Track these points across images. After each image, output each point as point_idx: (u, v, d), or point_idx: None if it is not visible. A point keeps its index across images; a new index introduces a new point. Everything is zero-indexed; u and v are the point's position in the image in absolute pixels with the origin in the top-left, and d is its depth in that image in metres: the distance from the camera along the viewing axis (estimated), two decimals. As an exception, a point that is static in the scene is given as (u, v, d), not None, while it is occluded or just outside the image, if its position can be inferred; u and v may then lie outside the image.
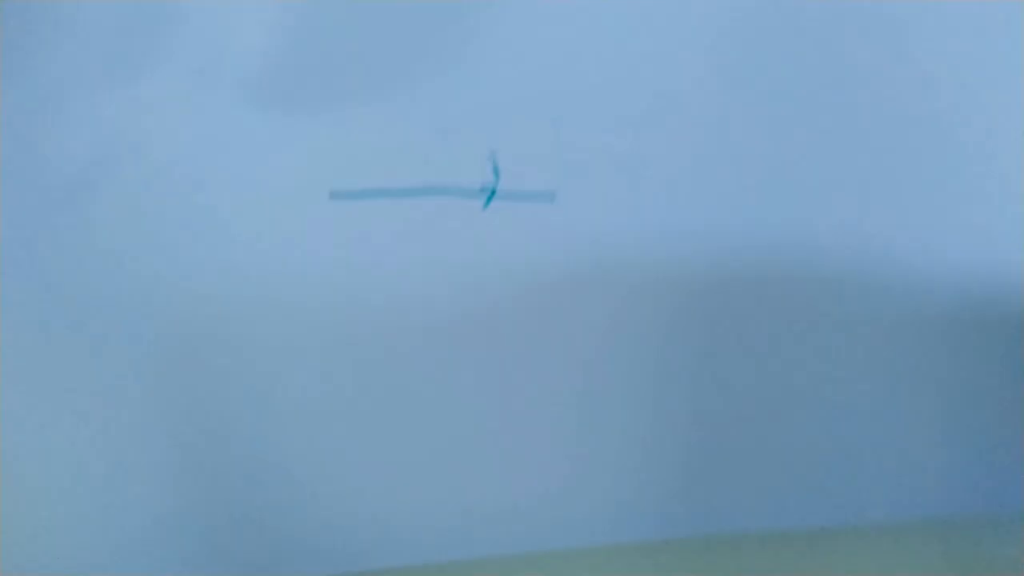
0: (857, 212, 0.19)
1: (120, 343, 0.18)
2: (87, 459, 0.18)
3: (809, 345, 0.19)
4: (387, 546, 0.19)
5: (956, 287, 0.19)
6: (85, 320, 0.18)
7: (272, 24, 0.16)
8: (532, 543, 0.19)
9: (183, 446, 0.18)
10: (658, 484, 0.19)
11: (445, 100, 0.17)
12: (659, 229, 0.18)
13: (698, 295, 0.19)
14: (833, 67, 0.18)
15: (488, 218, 0.18)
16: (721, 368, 0.19)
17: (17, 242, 0.18)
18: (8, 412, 0.18)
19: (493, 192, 0.18)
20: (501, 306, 0.18)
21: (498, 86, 0.17)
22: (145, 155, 0.17)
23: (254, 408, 0.18)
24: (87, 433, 0.18)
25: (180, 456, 0.18)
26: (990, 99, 0.18)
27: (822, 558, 0.20)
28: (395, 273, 0.18)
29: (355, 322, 0.18)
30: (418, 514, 0.19)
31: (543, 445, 0.19)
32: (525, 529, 0.19)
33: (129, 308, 0.18)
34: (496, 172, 0.18)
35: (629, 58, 0.17)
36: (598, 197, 0.18)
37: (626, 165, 0.18)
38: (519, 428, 0.19)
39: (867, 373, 0.19)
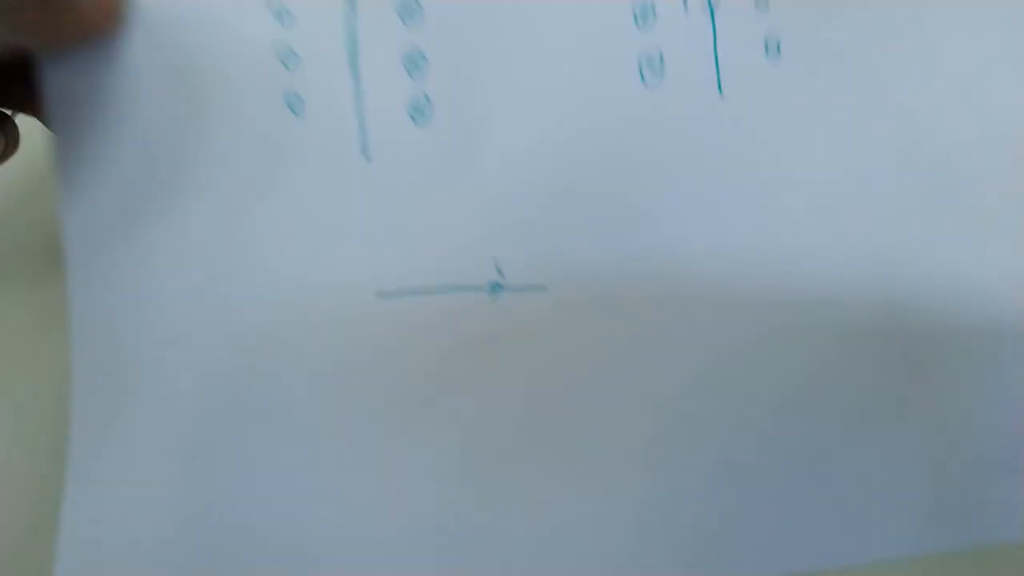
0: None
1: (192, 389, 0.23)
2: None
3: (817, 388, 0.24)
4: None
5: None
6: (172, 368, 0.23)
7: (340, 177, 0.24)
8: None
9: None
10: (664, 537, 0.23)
11: (457, 223, 0.24)
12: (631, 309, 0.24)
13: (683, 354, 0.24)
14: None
15: (496, 307, 0.24)
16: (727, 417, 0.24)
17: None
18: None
19: (498, 287, 0.24)
20: (509, 375, 0.24)
21: (497, 208, 0.24)
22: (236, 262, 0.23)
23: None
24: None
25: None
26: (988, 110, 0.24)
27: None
28: (428, 352, 0.24)
29: (393, 388, 0.23)
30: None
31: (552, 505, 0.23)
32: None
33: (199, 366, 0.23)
34: (499, 272, 0.24)
35: (605, 179, 0.25)
36: (579, 287, 0.24)
37: (602, 264, 0.24)
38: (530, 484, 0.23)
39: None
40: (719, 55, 0.25)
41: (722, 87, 0.24)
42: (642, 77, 0.24)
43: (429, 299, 0.24)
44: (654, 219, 0.24)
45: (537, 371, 0.24)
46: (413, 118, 0.24)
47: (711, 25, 0.24)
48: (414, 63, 0.24)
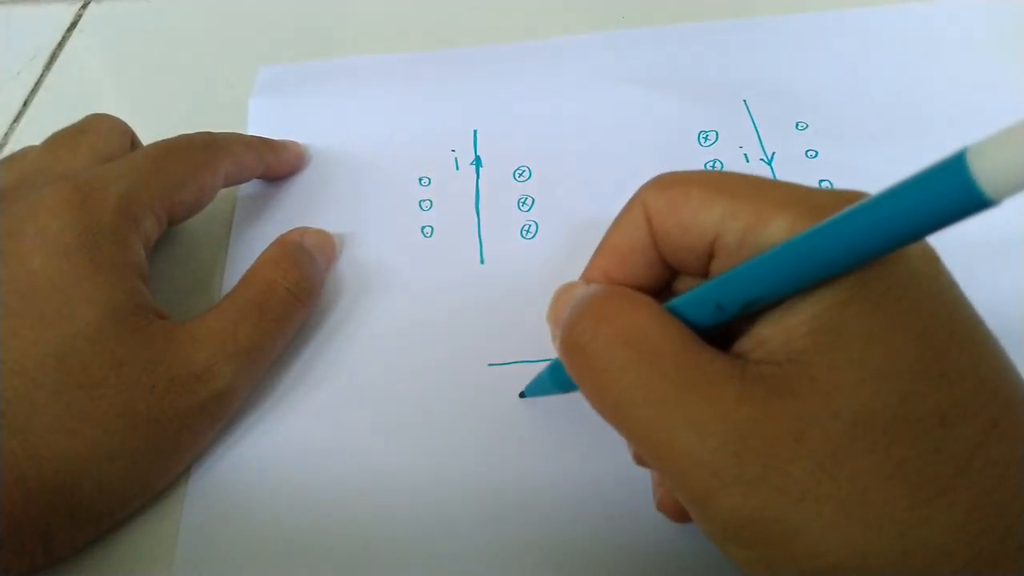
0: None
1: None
2: None
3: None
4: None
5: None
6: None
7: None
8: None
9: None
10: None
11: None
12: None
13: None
14: None
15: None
16: None
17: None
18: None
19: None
20: None
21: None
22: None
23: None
24: None
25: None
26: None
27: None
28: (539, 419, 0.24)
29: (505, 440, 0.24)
30: None
31: None
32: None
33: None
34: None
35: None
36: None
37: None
38: None
39: None
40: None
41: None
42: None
43: (535, 367, 0.25)
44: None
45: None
46: (523, 235, 0.29)
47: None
48: (524, 203, 0.30)
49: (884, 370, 0.14)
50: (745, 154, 0.31)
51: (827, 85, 0.32)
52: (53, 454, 0.20)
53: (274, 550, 0.22)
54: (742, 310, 0.15)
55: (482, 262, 0.28)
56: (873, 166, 0.29)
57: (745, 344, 0.16)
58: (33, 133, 0.35)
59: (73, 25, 0.41)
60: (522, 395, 0.25)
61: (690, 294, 0.16)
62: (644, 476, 0.23)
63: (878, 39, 0.34)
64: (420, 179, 0.31)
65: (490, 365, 0.26)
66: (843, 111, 0.31)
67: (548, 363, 0.22)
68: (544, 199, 0.30)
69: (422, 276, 0.28)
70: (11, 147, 0.36)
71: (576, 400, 0.24)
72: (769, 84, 0.32)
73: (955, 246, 0.17)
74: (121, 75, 0.39)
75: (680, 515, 0.20)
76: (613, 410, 0.16)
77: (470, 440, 0.24)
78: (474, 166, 0.31)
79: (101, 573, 0.22)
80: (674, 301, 0.17)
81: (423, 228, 0.30)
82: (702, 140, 0.31)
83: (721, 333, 0.16)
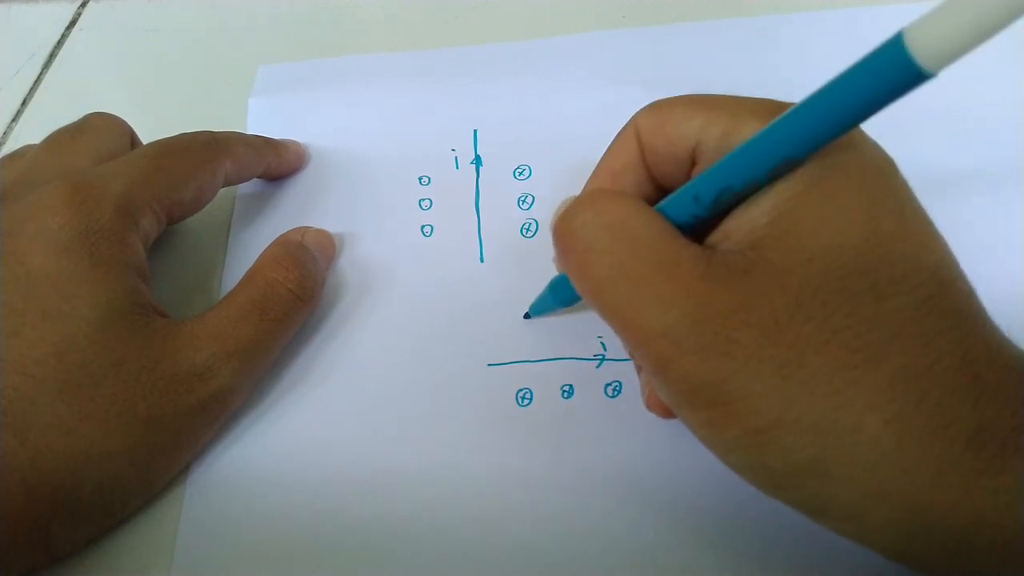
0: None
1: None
2: None
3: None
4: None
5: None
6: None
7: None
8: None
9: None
10: None
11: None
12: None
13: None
14: None
15: (599, 373, 0.25)
16: None
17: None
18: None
19: (603, 359, 0.25)
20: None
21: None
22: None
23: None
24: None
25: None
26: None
27: None
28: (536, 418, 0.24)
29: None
30: None
31: None
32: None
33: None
34: (604, 347, 0.26)
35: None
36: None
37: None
38: None
39: None
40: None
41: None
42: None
43: (543, 366, 0.25)
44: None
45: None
46: (523, 234, 0.29)
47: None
48: (524, 202, 0.30)
49: (829, 251, 0.15)
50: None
51: (827, 85, 0.32)
52: (53, 453, 0.20)
53: (273, 550, 0.22)
54: (716, 199, 0.17)
55: (482, 261, 0.28)
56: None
57: (715, 237, 0.17)
58: (32, 132, 0.35)
59: (73, 23, 0.41)
60: (527, 316, 0.26)
61: (672, 194, 0.18)
62: (643, 478, 0.23)
63: (877, 39, 0.33)
64: (420, 178, 0.31)
65: (490, 365, 0.26)
66: (843, 111, 0.31)
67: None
68: (544, 198, 0.30)
69: (422, 275, 0.28)
70: (10, 145, 0.36)
71: (575, 402, 0.25)
72: (769, 83, 0.32)
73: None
74: (121, 74, 0.39)
75: (667, 411, 0.21)
76: (592, 288, 0.18)
77: (469, 440, 0.24)
78: (474, 165, 0.31)
79: (101, 573, 0.22)
80: (660, 203, 0.18)
81: (423, 227, 0.30)
82: (702, 140, 0.31)
83: (699, 234, 0.18)
